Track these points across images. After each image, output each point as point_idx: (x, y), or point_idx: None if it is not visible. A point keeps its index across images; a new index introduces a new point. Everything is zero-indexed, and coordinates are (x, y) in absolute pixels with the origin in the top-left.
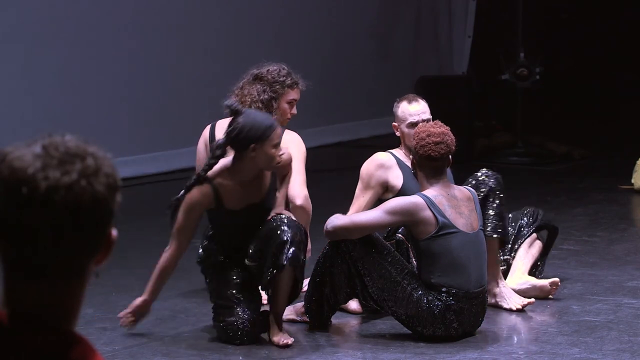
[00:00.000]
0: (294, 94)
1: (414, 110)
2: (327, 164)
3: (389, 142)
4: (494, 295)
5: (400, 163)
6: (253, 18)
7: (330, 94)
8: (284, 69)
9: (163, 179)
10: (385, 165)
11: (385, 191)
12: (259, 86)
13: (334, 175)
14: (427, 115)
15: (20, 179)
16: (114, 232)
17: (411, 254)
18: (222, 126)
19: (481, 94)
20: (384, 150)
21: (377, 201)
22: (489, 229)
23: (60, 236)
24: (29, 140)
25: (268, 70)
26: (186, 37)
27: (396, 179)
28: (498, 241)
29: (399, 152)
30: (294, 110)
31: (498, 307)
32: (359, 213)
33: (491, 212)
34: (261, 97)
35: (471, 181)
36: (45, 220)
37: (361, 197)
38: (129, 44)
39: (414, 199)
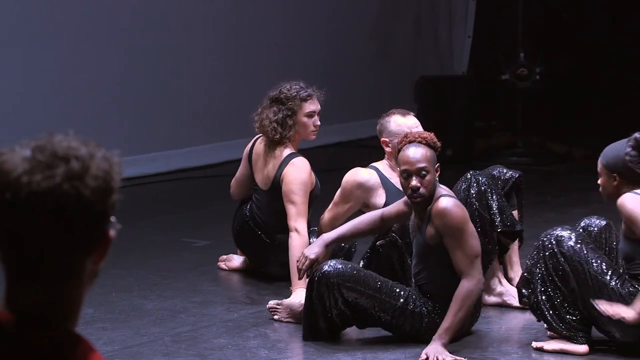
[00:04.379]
0: (311, 106)
1: (410, 123)
2: (327, 164)
3: None
4: (500, 295)
5: (384, 180)
6: (253, 18)
7: (330, 94)
8: (296, 84)
9: (162, 179)
10: (365, 186)
11: (365, 207)
12: (275, 108)
13: (334, 175)
14: (421, 128)
15: (5, 182)
16: (112, 232)
17: (405, 254)
18: (259, 144)
19: (481, 94)
20: (381, 152)
21: (356, 212)
22: (496, 223)
23: (47, 239)
24: (27, 141)
25: (281, 90)
26: (186, 37)
27: (378, 198)
28: (502, 235)
29: (384, 167)
30: (317, 122)
31: (505, 306)
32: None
33: (494, 208)
34: (276, 117)
35: (462, 185)
36: (30, 224)
37: (340, 205)
38: (128, 44)
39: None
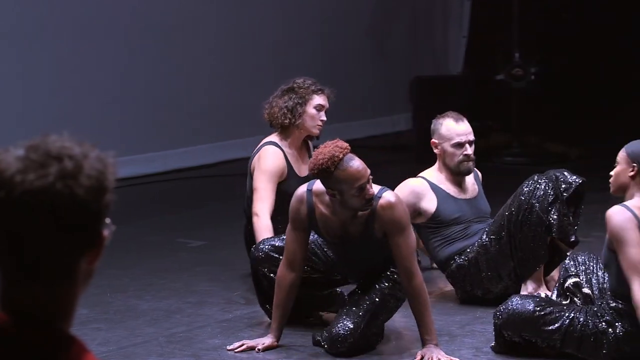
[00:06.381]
0: (320, 100)
1: (461, 130)
2: None
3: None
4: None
5: (433, 186)
6: (250, 19)
7: None
8: (309, 79)
9: (159, 179)
10: (416, 191)
11: (416, 216)
12: (286, 96)
13: None
14: (472, 136)
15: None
16: (106, 232)
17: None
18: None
19: (476, 94)
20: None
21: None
22: (553, 230)
23: (41, 239)
24: (23, 142)
25: (294, 81)
26: (183, 38)
27: (429, 202)
28: (559, 241)
29: (432, 174)
30: (324, 117)
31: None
32: None
33: (554, 213)
34: (287, 104)
35: (527, 186)
36: (24, 223)
37: None
38: (126, 45)
39: None
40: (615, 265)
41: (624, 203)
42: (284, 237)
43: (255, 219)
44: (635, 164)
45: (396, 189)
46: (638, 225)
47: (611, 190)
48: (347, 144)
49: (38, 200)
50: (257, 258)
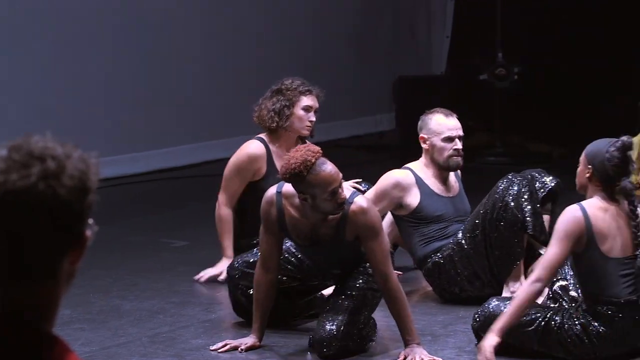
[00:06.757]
0: (308, 100)
1: (452, 125)
2: None
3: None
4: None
5: (418, 181)
6: (235, 20)
7: None
8: (298, 79)
9: (142, 179)
10: (401, 185)
11: (398, 208)
12: (274, 98)
13: None
14: (462, 132)
15: None
16: (88, 232)
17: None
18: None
19: (460, 94)
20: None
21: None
22: (528, 226)
23: (24, 239)
24: (5, 142)
25: (282, 82)
26: (168, 38)
27: (412, 197)
28: (533, 239)
29: (418, 167)
30: (313, 117)
31: None
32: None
33: (528, 211)
34: (274, 107)
35: (502, 184)
36: (7, 223)
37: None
38: (110, 46)
39: None
40: (581, 265)
41: (582, 203)
42: (256, 251)
43: (216, 206)
44: (590, 166)
45: (380, 179)
46: (587, 226)
47: (577, 188)
48: (319, 148)
49: (21, 200)
50: (233, 277)
